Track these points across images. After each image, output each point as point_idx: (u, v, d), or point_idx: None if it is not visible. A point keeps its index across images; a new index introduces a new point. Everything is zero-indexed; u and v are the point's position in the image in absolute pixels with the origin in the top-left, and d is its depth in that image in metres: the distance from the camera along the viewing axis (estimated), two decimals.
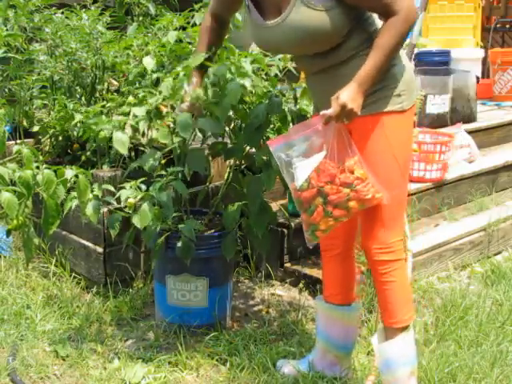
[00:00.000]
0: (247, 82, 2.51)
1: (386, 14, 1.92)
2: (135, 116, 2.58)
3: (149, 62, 2.85)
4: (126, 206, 2.53)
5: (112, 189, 2.64)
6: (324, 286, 2.37)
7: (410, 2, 1.94)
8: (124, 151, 2.58)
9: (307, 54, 2.10)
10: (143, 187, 2.51)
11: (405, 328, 2.13)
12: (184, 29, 3.13)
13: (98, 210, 2.49)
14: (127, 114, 2.67)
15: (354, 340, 2.40)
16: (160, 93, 2.55)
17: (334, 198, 1.96)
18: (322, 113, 1.96)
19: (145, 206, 2.44)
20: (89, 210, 2.47)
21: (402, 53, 2.12)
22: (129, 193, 2.49)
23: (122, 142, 2.58)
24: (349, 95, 1.91)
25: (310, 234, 2.04)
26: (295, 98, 2.67)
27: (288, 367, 2.40)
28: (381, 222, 2.09)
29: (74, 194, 2.48)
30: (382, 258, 2.10)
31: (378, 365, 2.24)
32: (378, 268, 2.13)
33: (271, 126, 2.62)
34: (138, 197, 2.48)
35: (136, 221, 2.46)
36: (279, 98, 2.50)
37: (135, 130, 2.64)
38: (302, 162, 1.98)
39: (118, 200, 2.64)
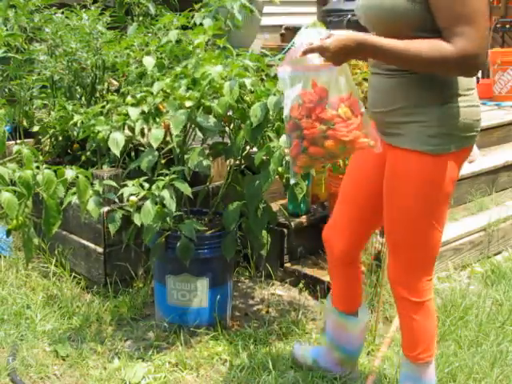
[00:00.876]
0: (247, 81, 2.51)
1: (445, 34, 1.72)
2: (129, 116, 2.58)
3: (149, 62, 2.85)
4: (127, 205, 2.54)
5: (114, 184, 2.65)
6: (331, 291, 2.35)
7: (477, 53, 1.71)
8: (116, 152, 2.58)
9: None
10: (146, 185, 2.51)
11: (422, 364, 2.07)
12: (185, 28, 3.13)
13: (98, 206, 2.49)
14: (126, 115, 2.67)
15: (358, 347, 2.36)
16: (157, 93, 2.56)
17: (308, 132, 1.80)
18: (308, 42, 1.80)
19: (147, 203, 2.44)
20: (90, 205, 2.47)
21: (470, 94, 1.88)
22: (131, 190, 2.50)
23: (116, 142, 2.58)
24: (338, 43, 1.73)
25: (291, 168, 1.90)
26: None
27: (300, 350, 2.45)
28: (407, 262, 1.98)
29: (73, 189, 2.48)
30: (404, 296, 2.01)
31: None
32: (399, 304, 2.06)
33: (269, 125, 2.62)
34: (141, 194, 2.48)
35: (137, 219, 2.47)
36: (278, 96, 2.50)
37: (133, 130, 2.64)
38: (292, 89, 1.84)
39: (119, 200, 2.64)
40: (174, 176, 2.49)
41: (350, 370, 2.36)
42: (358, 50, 1.75)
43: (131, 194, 2.51)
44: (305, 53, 1.79)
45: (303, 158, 1.85)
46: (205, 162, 2.56)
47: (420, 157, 1.85)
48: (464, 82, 1.85)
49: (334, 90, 1.81)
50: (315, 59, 1.83)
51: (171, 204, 2.44)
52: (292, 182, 1.96)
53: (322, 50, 1.76)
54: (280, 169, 2.44)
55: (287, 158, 1.93)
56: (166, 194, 2.45)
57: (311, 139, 1.80)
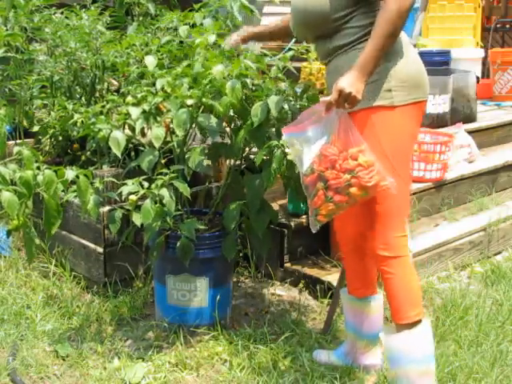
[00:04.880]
0: (249, 80, 2.51)
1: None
2: (129, 116, 2.58)
3: (150, 61, 2.85)
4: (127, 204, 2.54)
5: (115, 180, 2.65)
6: (346, 280, 2.44)
7: None
8: (117, 151, 2.58)
9: (314, 37, 2.20)
10: (145, 184, 2.51)
11: (411, 325, 2.13)
12: (192, 26, 3.12)
13: (98, 204, 2.49)
14: (126, 114, 2.66)
15: (380, 326, 2.42)
16: (157, 92, 2.55)
17: (334, 182, 1.99)
18: (321, 99, 2.02)
19: (147, 202, 2.44)
20: (89, 204, 2.47)
21: (407, 49, 2.13)
22: (131, 188, 2.50)
23: (117, 141, 2.58)
24: (347, 80, 1.95)
25: (313, 218, 2.08)
26: (296, 96, 2.67)
27: (323, 355, 2.49)
28: (379, 218, 2.14)
29: (73, 187, 2.48)
30: (382, 253, 2.14)
31: (386, 358, 2.26)
32: (379, 264, 2.17)
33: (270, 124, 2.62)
34: (141, 192, 2.48)
35: (136, 219, 2.47)
36: (280, 96, 2.50)
37: (134, 129, 2.64)
38: (307, 147, 2.03)
39: (119, 199, 2.64)
40: (173, 175, 2.49)
41: (375, 357, 2.43)
42: (360, 74, 1.96)
43: (130, 193, 2.51)
44: (328, 108, 2.00)
45: (329, 207, 2.03)
46: (205, 162, 2.56)
47: (380, 111, 2.07)
48: (403, 43, 2.12)
49: (346, 142, 2.01)
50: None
51: (170, 203, 2.44)
52: (314, 231, 2.10)
53: (338, 94, 1.96)
54: (281, 168, 2.44)
55: (309, 212, 2.11)
56: (165, 192, 2.45)
57: (336, 189, 2.00)
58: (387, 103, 2.06)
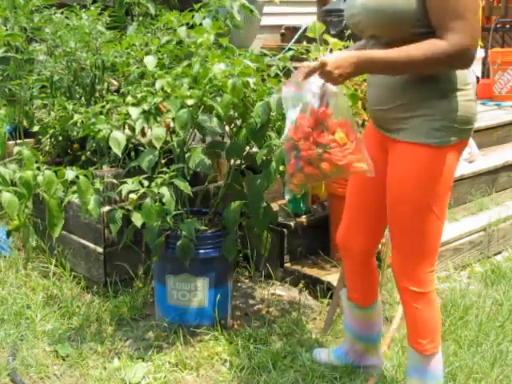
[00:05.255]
0: (250, 80, 2.51)
1: (439, 31, 1.81)
2: (129, 116, 2.58)
3: (150, 61, 2.85)
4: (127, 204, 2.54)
5: (115, 181, 2.65)
6: (346, 287, 2.40)
7: (466, 48, 1.79)
8: (118, 151, 2.58)
9: (377, 42, 1.97)
10: (145, 183, 2.51)
11: (427, 356, 2.09)
12: (191, 27, 3.12)
13: (99, 205, 2.49)
14: (126, 114, 2.67)
15: (379, 331, 2.41)
16: (157, 92, 2.55)
17: (305, 154, 1.92)
18: (305, 63, 1.95)
19: (148, 201, 2.44)
20: (90, 204, 2.47)
21: (466, 88, 1.95)
22: (131, 187, 2.50)
23: (117, 141, 2.58)
24: (336, 59, 1.83)
25: (287, 184, 2.03)
26: None
27: (323, 354, 2.48)
28: (414, 255, 2.04)
29: (74, 188, 2.48)
30: (411, 288, 2.06)
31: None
32: (402, 295, 2.11)
33: (270, 124, 2.62)
34: (141, 191, 2.48)
35: (136, 218, 2.47)
36: (280, 95, 2.50)
37: (134, 129, 2.64)
38: (291, 111, 1.96)
39: (119, 199, 2.64)
40: (173, 174, 2.49)
41: (375, 357, 2.42)
42: (356, 64, 1.84)
43: (130, 191, 2.50)
44: (307, 74, 1.89)
45: (299, 177, 1.97)
46: (206, 161, 2.56)
47: (424, 149, 1.93)
48: (462, 77, 1.94)
49: (328, 113, 1.92)
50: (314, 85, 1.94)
51: (170, 201, 2.44)
52: (286, 197, 2.04)
53: (321, 66, 1.84)
54: (281, 167, 2.44)
55: (286, 176, 2.05)
56: (165, 191, 2.45)
57: (307, 160, 1.93)
58: (432, 142, 1.92)
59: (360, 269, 2.29)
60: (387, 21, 1.88)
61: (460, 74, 1.93)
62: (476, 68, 5.54)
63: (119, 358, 2.50)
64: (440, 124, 1.91)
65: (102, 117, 2.75)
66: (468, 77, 1.97)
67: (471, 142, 4.13)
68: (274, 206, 2.85)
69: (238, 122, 2.68)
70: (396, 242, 2.07)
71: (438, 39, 1.81)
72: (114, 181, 2.73)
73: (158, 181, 2.46)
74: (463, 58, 1.82)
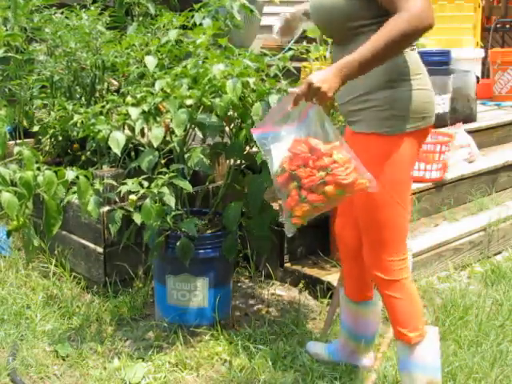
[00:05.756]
0: (250, 80, 2.51)
1: (392, 10, 1.84)
2: (129, 116, 2.58)
3: (151, 61, 2.85)
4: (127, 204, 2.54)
5: (114, 183, 2.65)
6: (343, 281, 2.43)
7: (423, 7, 1.82)
8: (117, 151, 2.58)
9: (331, 40, 2.13)
10: (145, 183, 2.51)
11: (412, 345, 2.10)
12: (185, 28, 3.12)
13: (98, 205, 2.49)
14: (126, 114, 2.67)
15: (375, 332, 2.43)
16: (158, 92, 2.55)
17: (307, 181, 1.87)
18: (290, 90, 1.95)
19: (147, 201, 2.44)
20: (90, 204, 2.47)
21: (416, 76, 2.00)
22: (130, 187, 2.50)
23: (117, 141, 2.58)
24: (320, 75, 1.84)
25: (288, 221, 1.96)
26: None
27: (316, 347, 2.51)
28: (374, 242, 2.10)
29: (73, 188, 2.48)
30: (380, 276, 2.10)
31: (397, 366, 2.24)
32: (377, 285, 2.15)
33: None
34: (141, 192, 2.48)
35: (137, 218, 2.47)
36: (280, 95, 2.50)
37: (133, 130, 2.64)
38: (276, 146, 1.92)
39: (120, 199, 2.64)
40: (173, 174, 2.49)
41: (366, 357, 2.43)
42: (339, 72, 1.84)
43: (130, 192, 2.51)
44: (296, 100, 1.89)
45: (304, 208, 1.90)
46: (206, 161, 2.56)
47: (377, 138, 1.99)
48: (411, 67, 2.00)
49: (321, 138, 1.91)
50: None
51: (171, 201, 2.44)
52: (289, 235, 2.00)
53: (308, 86, 1.84)
54: None
55: (283, 213, 1.98)
56: (165, 190, 2.45)
57: (310, 188, 1.88)
58: (384, 131, 1.97)
59: (353, 261, 2.32)
60: (329, 18, 2.00)
61: (409, 63, 1.99)
62: (476, 68, 5.55)
63: (119, 358, 2.50)
64: (389, 113, 1.97)
65: (102, 117, 2.75)
66: (419, 67, 2.03)
67: (471, 141, 4.13)
68: (274, 206, 2.85)
69: (238, 122, 2.68)
70: (363, 232, 2.12)
71: (393, 16, 1.83)
72: (114, 182, 2.73)
73: (159, 182, 2.46)
74: (423, 19, 1.83)
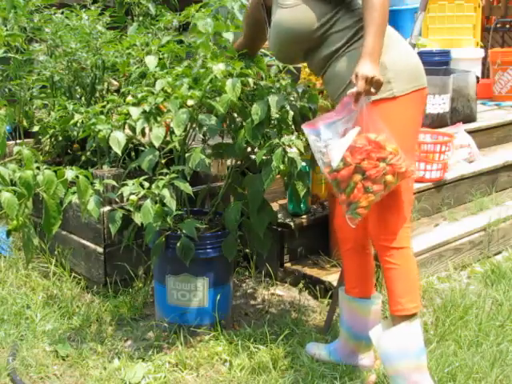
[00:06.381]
0: (250, 80, 2.51)
1: None
2: (130, 116, 2.58)
3: (151, 61, 2.85)
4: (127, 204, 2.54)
5: (114, 183, 2.65)
6: (344, 278, 2.44)
7: None
8: (118, 150, 2.58)
9: (304, 53, 2.25)
10: (146, 184, 2.51)
11: (409, 318, 2.14)
12: (185, 29, 3.12)
13: (98, 205, 2.49)
14: (127, 114, 2.67)
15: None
16: (159, 92, 2.55)
17: (373, 172, 2.00)
18: (349, 92, 2.01)
19: (147, 202, 2.44)
20: (90, 204, 2.47)
21: (399, 42, 2.18)
22: (131, 189, 2.50)
23: (117, 141, 2.58)
24: (367, 67, 1.96)
25: (351, 213, 2.06)
26: (297, 95, 2.67)
27: (315, 348, 2.51)
28: (391, 210, 2.15)
29: (73, 188, 2.48)
30: (386, 244, 2.15)
31: (379, 355, 2.26)
32: (381, 254, 2.18)
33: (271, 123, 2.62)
34: (141, 193, 2.48)
35: (137, 218, 2.46)
36: (280, 94, 2.50)
37: (134, 130, 2.64)
38: (335, 142, 2.02)
39: (120, 199, 2.64)
40: (173, 175, 2.49)
41: (366, 357, 2.44)
42: (373, 58, 1.98)
43: (131, 193, 2.51)
44: (357, 99, 1.99)
45: (369, 198, 2.03)
46: (206, 161, 2.56)
47: (380, 103, 2.09)
48: (392, 36, 2.17)
49: (372, 130, 2.03)
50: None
51: (171, 202, 2.44)
52: (353, 226, 2.08)
53: (365, 79, 1.96)
54: (282, 166, 2.44)
55: (343, 208, 2.09)
56: (165, 192, 2.45)
57: (374, 179, 2.01)
58: (388, 95, 2.09)
59: (354, 254, 2.35)
60: (296, 28, 2.18)
61: (388, 34, 2.09)
62: (476, 68, 5.55)
63: (119, 358, 2.50)
64: (388, 77, 2.08)
65: (102, 117, 2.75)
66: (398, 36, 2.22)
67: (471, 141, 4.13)
68: (274, 206, 2.85)
69: (239, 122, 2.68)
70: (375, 203, 2.15)
71: None
72: (114, 183, 2.73)
73: (160, 183, 2.46)
74: None
